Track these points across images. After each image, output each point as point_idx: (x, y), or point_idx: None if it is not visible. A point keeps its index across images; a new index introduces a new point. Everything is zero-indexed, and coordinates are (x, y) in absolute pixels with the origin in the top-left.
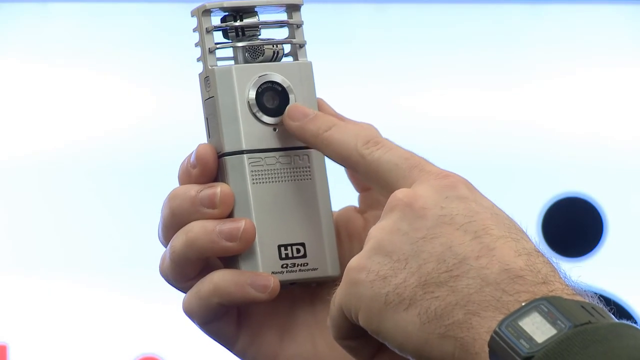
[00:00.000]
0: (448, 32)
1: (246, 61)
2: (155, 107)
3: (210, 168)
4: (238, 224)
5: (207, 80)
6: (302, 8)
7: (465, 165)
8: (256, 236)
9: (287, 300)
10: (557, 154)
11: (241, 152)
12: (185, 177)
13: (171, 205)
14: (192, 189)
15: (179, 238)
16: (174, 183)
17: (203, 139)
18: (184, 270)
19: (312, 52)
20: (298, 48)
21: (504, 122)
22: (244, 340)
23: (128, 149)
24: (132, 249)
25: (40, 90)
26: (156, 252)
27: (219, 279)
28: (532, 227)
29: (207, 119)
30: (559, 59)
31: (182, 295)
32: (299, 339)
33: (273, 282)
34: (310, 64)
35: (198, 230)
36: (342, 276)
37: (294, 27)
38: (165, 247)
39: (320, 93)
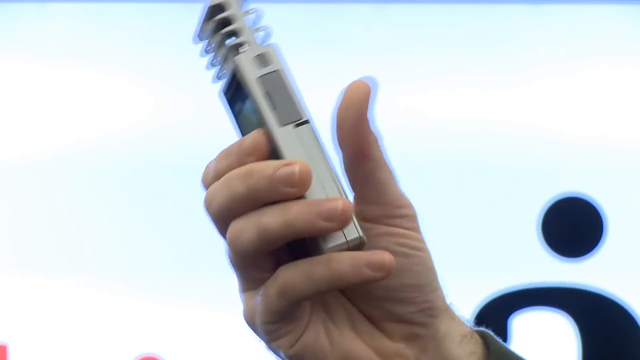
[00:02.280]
0: (448, 32)
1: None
2: (154, 107)
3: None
4: (336, 204)
5: (261, 57)
6: (303, 8)
7: (465, 165)
8: None
9: None
10: (557, 154)
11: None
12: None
13: (248, 183)
14: (269, 167)
15: (275, 218)
16: (174, 182)
17: (201, 138)
18: (270, 250)
19: (312, 52)
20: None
21: (504, 122)
22: (309, 329)
23: (127, 149)
24: (132, 249)
25: (40, 90)
26: (156, 252)
27: (336, 261)
28: (532, 227)
29: (267, 94)
30: (559, 59)
31: (178, 296)
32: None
33: (388, 259)
34: None
35: (297, 211)
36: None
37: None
38: (223, 226)
39: (320, 93)
